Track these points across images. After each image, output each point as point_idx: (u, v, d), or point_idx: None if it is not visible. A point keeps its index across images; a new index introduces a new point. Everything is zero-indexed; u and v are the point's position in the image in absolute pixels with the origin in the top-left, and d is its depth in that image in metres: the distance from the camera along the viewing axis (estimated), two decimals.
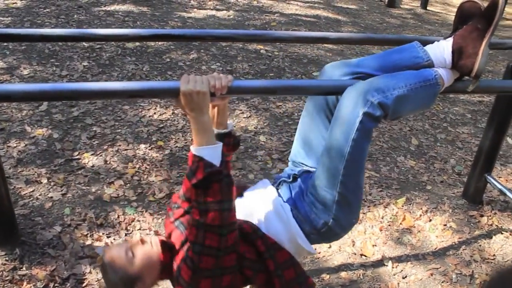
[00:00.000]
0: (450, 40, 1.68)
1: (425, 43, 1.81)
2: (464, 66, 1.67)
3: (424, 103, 1.72)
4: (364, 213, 2.91)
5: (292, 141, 1.90)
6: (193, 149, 1.41)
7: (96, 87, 1.48)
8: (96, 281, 2.26)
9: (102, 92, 1.48)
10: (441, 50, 1.67)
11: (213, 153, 1.40)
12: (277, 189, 1.74)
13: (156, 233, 1.65)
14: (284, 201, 1.68)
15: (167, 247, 1.55)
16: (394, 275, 2.51)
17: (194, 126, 1.43)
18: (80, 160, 3.08)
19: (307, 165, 1.82)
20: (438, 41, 1.74)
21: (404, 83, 1.60)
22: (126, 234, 2.56)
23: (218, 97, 1.52)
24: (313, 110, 1.83)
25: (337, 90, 1.68)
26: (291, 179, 1.76)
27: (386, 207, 2.99)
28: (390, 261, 2.58)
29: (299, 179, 1.76)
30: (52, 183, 2.85)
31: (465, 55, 1.65)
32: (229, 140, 1.70)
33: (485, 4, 1.67)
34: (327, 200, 1.59)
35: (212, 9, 6.30)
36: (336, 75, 1.77)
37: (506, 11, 7.61)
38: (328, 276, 2.46)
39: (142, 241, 1.53)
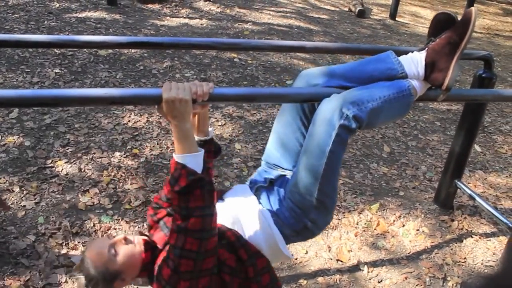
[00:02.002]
0: (423, 53, 1.74)
1: (398, 53, 1.87)
2: (436, 80, 1.74)
3: (398, 113, 1.80)
4: (339, 219, 2.96)
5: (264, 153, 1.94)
6: (176, 156, 1.43)
7: (77, 94, 1.47)
8: None
9: (83, 99, 1.47)
10: (415, 63, 1.74)
11: (195, 161, 1.43)
12: (256, 195, 1.77)
13: (140, 233, 1.67)
14: (264, 208, 1.72)
15: (150, 247, 1.57)
16: (370, 279, 2.55)
17: (176, 133, 1.45)
18: (54, 168, 3.03)
19: (281, 167, 1.86)
20: (412, 51, 1.80)
21: (379, 95, 1.66)
22: None
23: (199, 104, 1.53)
24: (288, 115, 1.87)
25: (314, 98, 1.72)
26: (267, 184, 1.79)
27: (360, 213, 3.04)
28: (365, 266, 2.63)
29: (275, 184, 1.80)
30: (24, 192, 2.80)
31: (437, 69, 1.73)
32: (210, 147, 1.71)
33: (459, 17, 1.74)
34: (305, 206, 1.65)
35: (185, 18, 6.30)
36: (311, 84, 1.82)
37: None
38: (305, 282, 2.48)
39: (126, 240, 1.54)
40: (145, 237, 1.62)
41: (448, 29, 1.74)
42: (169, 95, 1.42)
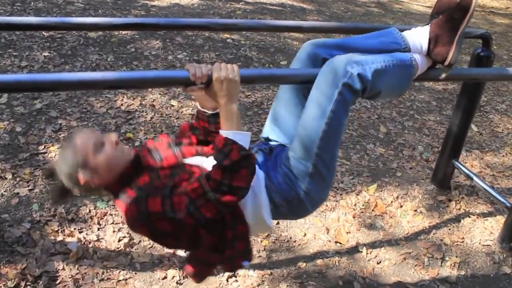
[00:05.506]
0: (427, 28, 1.72)
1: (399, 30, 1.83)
2: (439, 54, 1.72)
3: (399, 85, 1.77)
4: (337, 201, 2.94)
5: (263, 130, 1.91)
6: (225, 133, 1.43)
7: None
8: (70, 277, 2.20)
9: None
10: (418, 37, 1.72)
11: (245, 139, 1.44)
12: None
13: (145, 144, 1.69)
14: (258, 168, 1.65)
15: (137, 163, 1.57)
16: (369, 260, 2.55)
17: (224, 112, 1.46)
18: (46, 154, 2.98)
19: (280, 142, 1.84)
20: (415, 27, 1.78)
21: (383, 59, 1.66)
22: (98, 229, 2.49)
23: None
24: (290, 88, 1.83)
25: (312, 79, 1.68)
26: (267, 151, 1.78)
27: (358, 195, 3.03)
28: (364, 247, 2.63)
29: (274, 151, 1.78)
30: (17, 179, 2.74)
31: (441, 43, 1.71)
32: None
33: None
34: (301, 171, 1.60)
35: None
36: (314, 53, 1.78)
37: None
38: (304, 264, 2.47)
39: (117, 144, 1.53)
40: (136, 153, 1.62)
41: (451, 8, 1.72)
42: (219, 74, 1.42)
